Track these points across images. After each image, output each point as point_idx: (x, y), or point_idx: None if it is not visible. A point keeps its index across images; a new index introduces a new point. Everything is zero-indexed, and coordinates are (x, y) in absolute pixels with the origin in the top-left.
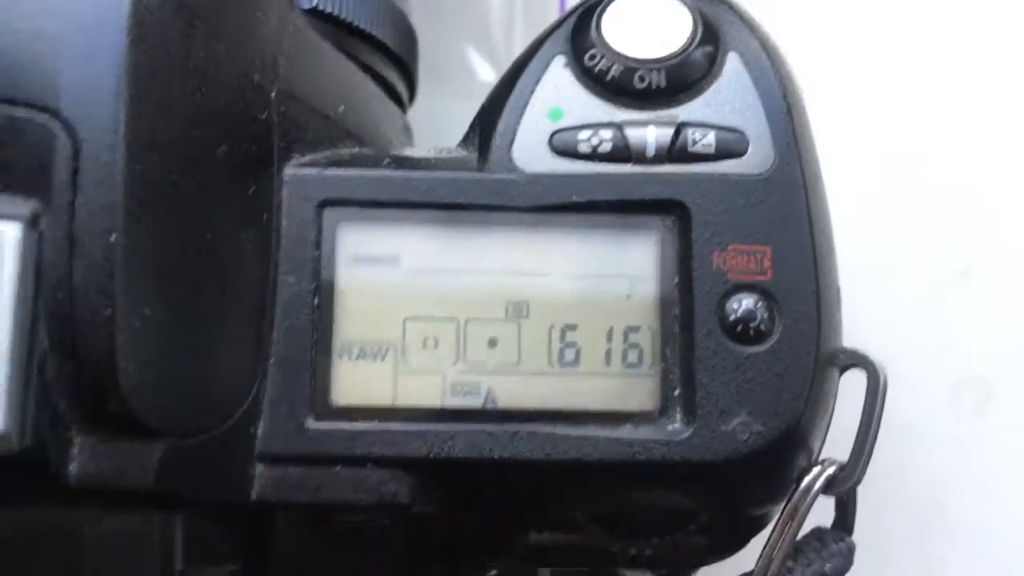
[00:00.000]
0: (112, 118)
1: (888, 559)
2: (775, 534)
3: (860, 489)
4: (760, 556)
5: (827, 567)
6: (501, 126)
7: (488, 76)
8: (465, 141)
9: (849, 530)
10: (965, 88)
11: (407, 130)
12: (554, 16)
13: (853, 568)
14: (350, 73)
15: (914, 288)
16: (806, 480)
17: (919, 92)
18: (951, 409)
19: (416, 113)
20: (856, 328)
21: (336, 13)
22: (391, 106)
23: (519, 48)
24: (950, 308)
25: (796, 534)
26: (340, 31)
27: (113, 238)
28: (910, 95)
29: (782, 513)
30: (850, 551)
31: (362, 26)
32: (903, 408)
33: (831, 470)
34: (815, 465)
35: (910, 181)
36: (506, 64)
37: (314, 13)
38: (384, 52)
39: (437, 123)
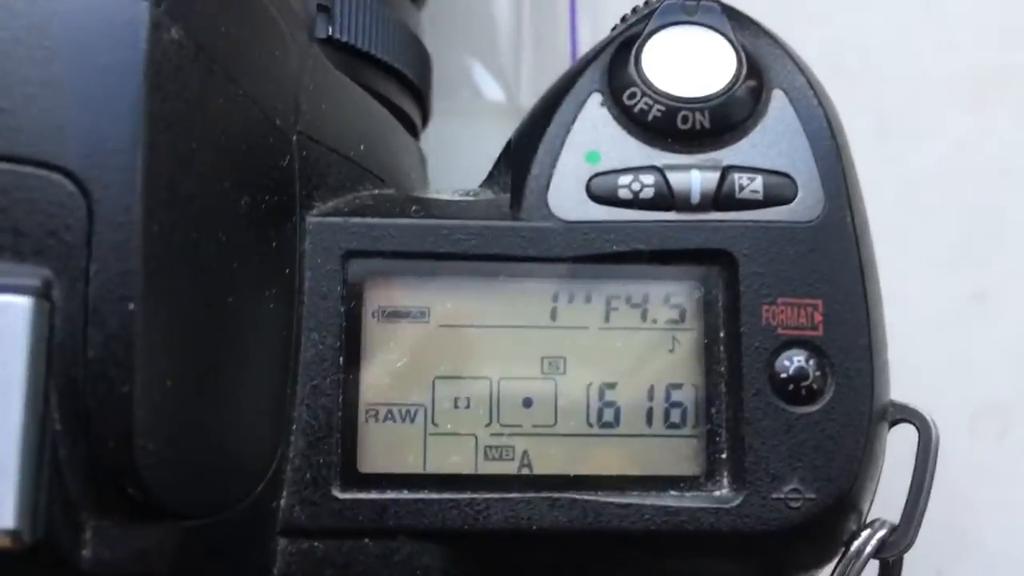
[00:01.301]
0: (128, 175)
1: None
2: None
3: None
4: None
5: None
6: (535, 169)
7: (495, 94)
8: (491, 180)
9: None
10: (979, 110)
11: (422, 159)
12: (563, 33)
13: None
14: (368, 107)
15: (928, 313)
16: (856, 544)
17: (933, 115)
18: (970, 436)
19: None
20: None
21: (353, 42)
22: (407, 137)
23: (527, 66)
24: (966, 333)
25: None
26: (356, 61)
27: (131, 307)
28: (924, 118)
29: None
30: None
31: (379, 55)
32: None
33: (882, 533)
34: (864, 528)
35: (923, 204)
36: (513, 82)
37: (329, 43)
38: (400, 80)
39: (443, 141)
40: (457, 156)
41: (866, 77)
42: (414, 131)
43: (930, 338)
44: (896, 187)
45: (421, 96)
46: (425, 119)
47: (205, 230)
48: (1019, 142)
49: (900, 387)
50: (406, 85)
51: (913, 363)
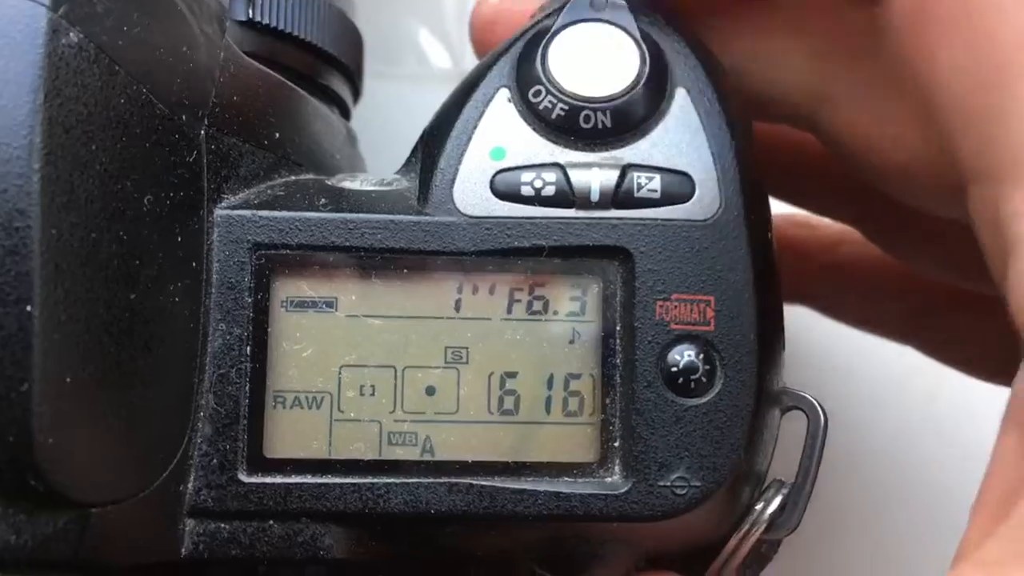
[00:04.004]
0: (24, 181)
1: (839, 545)
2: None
3: None
4: None
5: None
6: (443, 162)
7: (441, 60)
8: (408, 166)
9: None
10: None
11: (351, 138)
12: None
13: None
14: (285, 93)
15: None
16: (745, 525)
17: None
18: (900, 398)
19: (367, 97)
20: (805, 316)
21: (274, 24)
22: (332, 118)
23: None
24: None
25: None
26: (278, 42)
27: (29, 308)
28: None
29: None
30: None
31: (302, 35)
32: (851, 397)
33: (775, 504)
34: (759, 500)
35: None
36: (460, 48)
37: (250, 25)
38: (325, 59)
39: (389, 107)
40: (404, 122)
41: None
42: (344, 110)
43: None
44: None
45: (350, 74)
46: (356, 96)
47: (106, 230)
48: None
49: (831, 349)
50: (333, 64)
51: (845, 328)
